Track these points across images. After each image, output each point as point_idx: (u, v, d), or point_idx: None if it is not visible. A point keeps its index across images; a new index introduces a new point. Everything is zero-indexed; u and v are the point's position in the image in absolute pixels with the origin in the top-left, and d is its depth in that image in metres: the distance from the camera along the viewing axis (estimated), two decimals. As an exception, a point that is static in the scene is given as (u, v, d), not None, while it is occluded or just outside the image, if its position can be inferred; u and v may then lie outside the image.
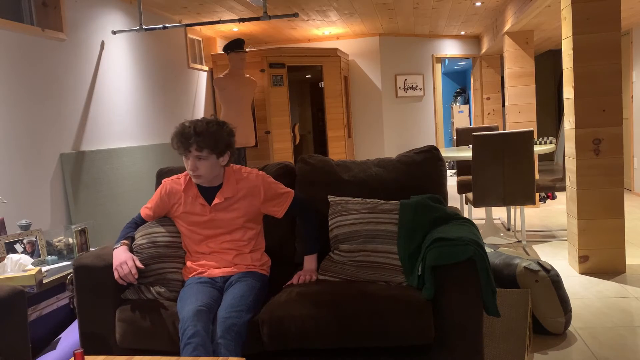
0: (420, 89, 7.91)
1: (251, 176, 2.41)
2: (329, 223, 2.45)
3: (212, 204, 2.36)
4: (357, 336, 2.02)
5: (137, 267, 2.22)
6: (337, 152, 6.83)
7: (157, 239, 2.36)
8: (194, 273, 2.35)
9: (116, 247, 2.30)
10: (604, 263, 3.77)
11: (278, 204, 2.43)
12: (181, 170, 2.61)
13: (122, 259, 2.22)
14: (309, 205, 2.48)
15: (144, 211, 2.47)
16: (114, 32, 4.31)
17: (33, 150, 3.41)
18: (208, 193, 2.38)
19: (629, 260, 3.99)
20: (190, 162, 2.28)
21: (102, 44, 4.20)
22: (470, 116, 10.18)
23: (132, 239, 2.38)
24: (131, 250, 2.33)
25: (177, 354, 2.11)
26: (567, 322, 2.77)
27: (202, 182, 2.35)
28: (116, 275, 2.21)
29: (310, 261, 2.41)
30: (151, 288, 2.30)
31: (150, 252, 2.32)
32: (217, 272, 2.33)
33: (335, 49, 6.69)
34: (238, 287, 2.21)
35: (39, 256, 2.94)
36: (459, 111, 10.48)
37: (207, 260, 2.36)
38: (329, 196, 2.51)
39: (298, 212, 2.46)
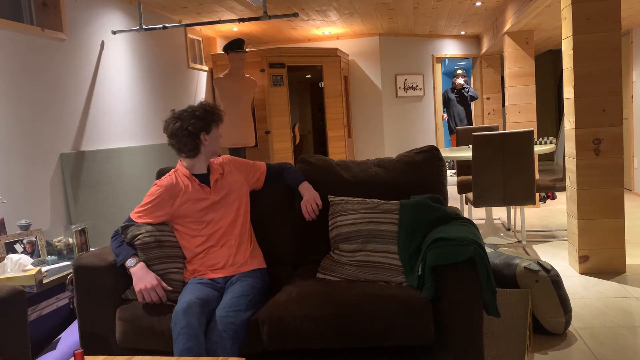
0: (420, 89, 7.91)
1: (220, 158, 2.58)
2: (329, 223, 2.45)
3: (212, 183, 2.44)
4: (357, 336, 2.02)
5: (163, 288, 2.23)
6: (337, 152, 6.83)
7: (163, 239, 2.36)
8: (196, 274, 2.35)
9: (131, 266, 2.22)
10: (604, 263, 3.76)
11: (256, 171, 2.59)
12: None
13: (148, 284, 2.18)
14: (284, 164, 2.67)
15: (136, 217, 2.39)
16: (114, 32, 4.31)
17: (33, 150, 3.41)
18: (201, 179, 2.46)
19: (629, 260, 3.99)
20: (217, 133, 2.49)
21: (102, 44, 4.20)
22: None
23: (136, 251, 2.31)
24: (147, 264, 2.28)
25: (177, 354, 2.11)
26: (567, 322, 2.76)
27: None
28: (140, 299, 2.19)
29: (307, 189, 2.53)
30: None
31: (155, 252, 2.31)
32: (219, 274, 2.33)
33: (335, 49, 6.69)
34: (238, 286, 2.21)
35: (39, 256, 2.94)
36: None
37: (208, 259, 2.36)
38: (329, 196, 2.52)
39: (278, 169, 2.62)
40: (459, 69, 8.12)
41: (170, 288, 2.25)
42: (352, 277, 2.29)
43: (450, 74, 12.72)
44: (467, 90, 7.95)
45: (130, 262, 2.24)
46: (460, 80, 7.96)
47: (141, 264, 2.24)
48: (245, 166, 2.58)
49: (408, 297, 2.04)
